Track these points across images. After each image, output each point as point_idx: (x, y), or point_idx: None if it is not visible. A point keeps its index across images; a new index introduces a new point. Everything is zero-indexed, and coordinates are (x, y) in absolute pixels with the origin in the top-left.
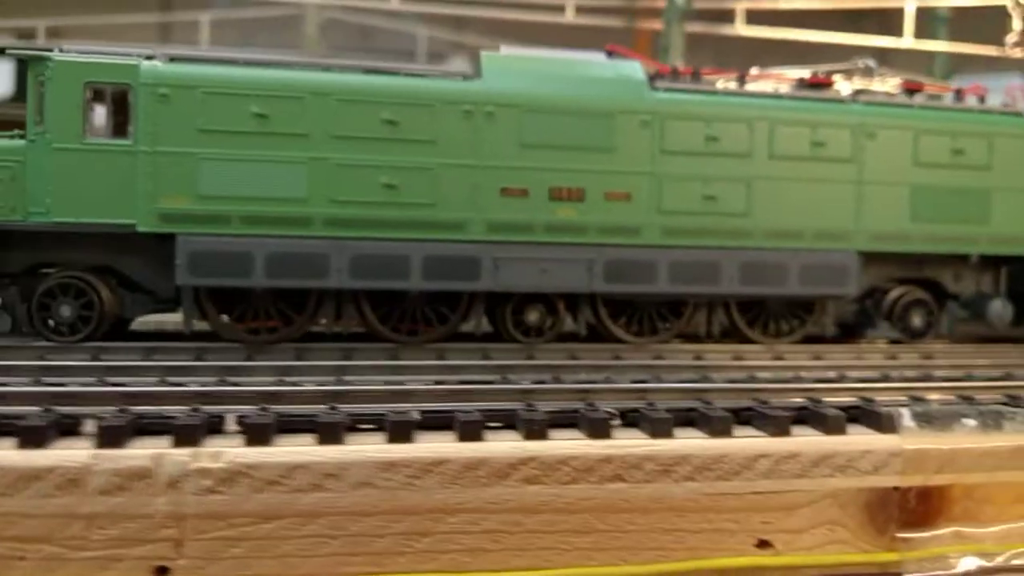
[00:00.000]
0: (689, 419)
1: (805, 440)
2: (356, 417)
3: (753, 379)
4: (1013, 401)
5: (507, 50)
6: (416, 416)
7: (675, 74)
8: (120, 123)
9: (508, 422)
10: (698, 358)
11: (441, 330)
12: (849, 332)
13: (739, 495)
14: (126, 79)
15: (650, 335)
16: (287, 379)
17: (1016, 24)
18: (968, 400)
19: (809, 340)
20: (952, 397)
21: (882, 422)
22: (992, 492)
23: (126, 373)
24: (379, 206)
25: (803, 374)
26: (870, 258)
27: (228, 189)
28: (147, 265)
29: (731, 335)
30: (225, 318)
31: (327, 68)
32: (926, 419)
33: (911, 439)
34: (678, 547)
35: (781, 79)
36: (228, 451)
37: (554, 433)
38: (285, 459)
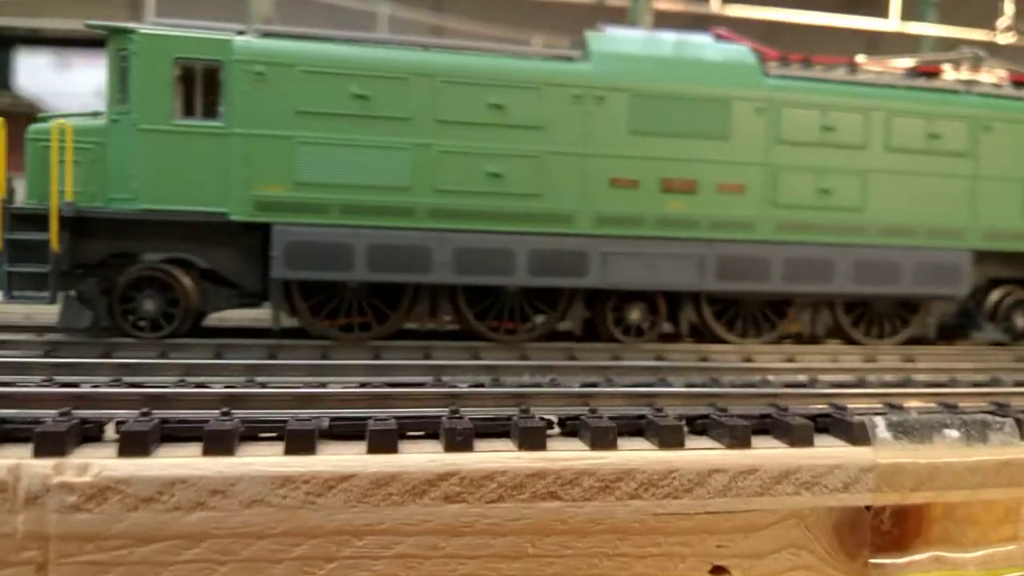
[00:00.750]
0: (637, 428)
1: (766, 453)
2: (253, 425)
3: (716, 382)
4: (1000, 409)
5: (611, 31)
6: (323, 424)
7: (784, 60)
8: (211, 103)
9: (431, 431)
10: (659, 358)
11: (540, 328)
12: (947, 334)
13: (691, 515)
14: (218, 55)
15: (753, 336)
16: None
17: (1008, 8)
18: (950, 408)
19: (781, 340)
20: (933, 404)
21: (854, 433)
22: (975, 512)
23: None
24: (484, 196)
25: (771, 377)
26: (978, 257)
27: (327, 176)
28: (233, 257)
29: (834, 335)
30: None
31: (428, 48)
32: (903, 429)
33: (886, 452)
34: (622, 574)
35: (888, 67)
36: (96, 463)
37: (482, 444)
38: (163, 472)
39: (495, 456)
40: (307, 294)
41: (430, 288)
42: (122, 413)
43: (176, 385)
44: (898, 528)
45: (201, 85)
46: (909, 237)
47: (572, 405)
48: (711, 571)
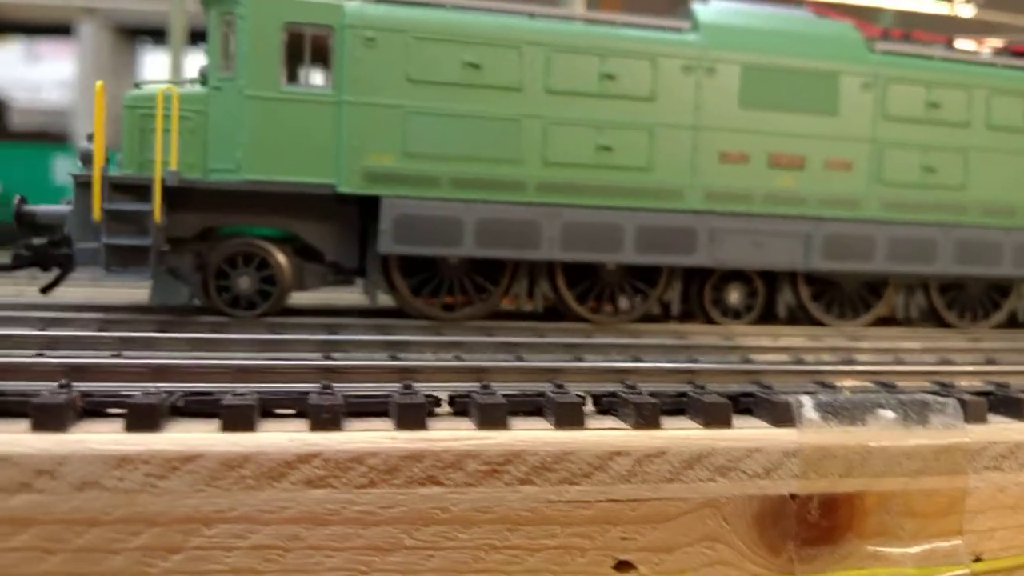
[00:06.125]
0: (536, 407)
1: (675, 434)
2: (95, 400)
3: (638, 359)
4: (944, 390)
5: (715, 3)
6: (176, 400)
7: (886, 35)
8: (320, 69)
9: (299, 408)
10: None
11: (638, 309)
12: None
13: (591, 503)
14: (329, 20)
15: (852, 318)
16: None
17: None
18: (889, 388)
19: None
20: (869, 384)
21: (778, 414)
22: (915, 502)
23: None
24: (593, 169)
25: (700, 357)
26: None
27: (438, 147)
28: (332, 232)
29: (927, 319)
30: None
31: (538, 16)
32: (832, 410)
33: (812, 434)
34: (512, 569)
35: (982, 46)
36: None
37: (356, 424)
38: None
39: (365, 436)
40: (405, 271)
41: (528, 266)
42: None
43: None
44: (827, 519)
45: (310, 51)
46: (1009, 217)
47: (466, 381)
48: (615, 567)
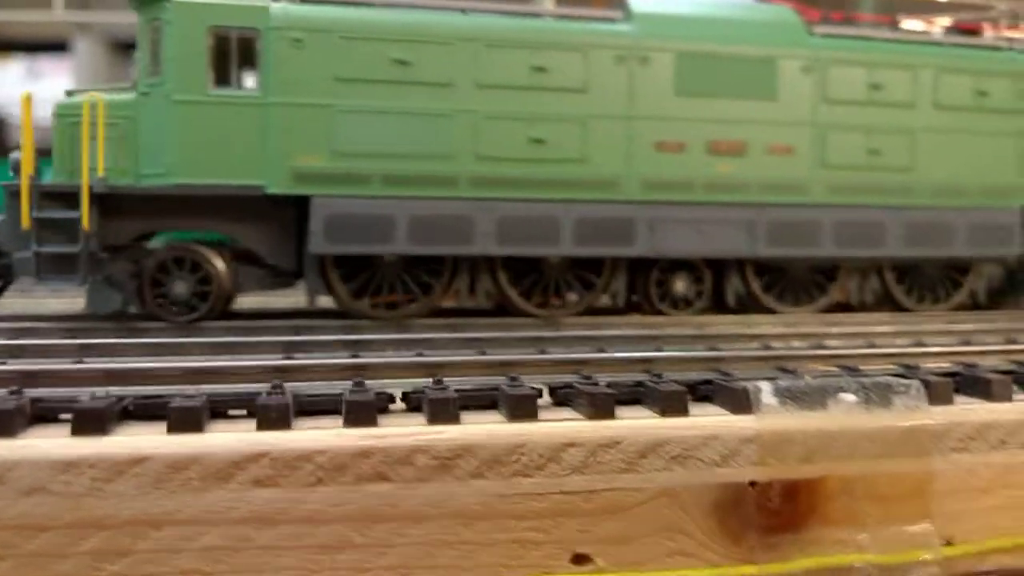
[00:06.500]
0: (491, 401)
1: (629, 423)
2: (45, 405)
3: (602, 350)
4: (908, 372)
5: None
6: (126, 404)
7: (826, 19)
8: (247, 72)
9: (250, 409)
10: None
11: (583, 302)
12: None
13: (545, 495)
14: (254, 22)
15: (806, 304)
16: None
17: None
18: (851, 371)
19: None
20: (832, 368)
21: (736, 400)
22: (879, 486)
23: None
24: (527, 163)
25: (664, 347)
26: None
27: (367, 145)
28: (267, 234)
29: (883, 303)
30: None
31: (468, 11)
32: (791, 395)
33: (770, 419)
34: (466, 565)
35: (930, 26)
36: None
37: (305, 422)
38: None
39: (313, 435)
40: (343, 271)
41: (469, 262)
42: None
43: None
44: (789, 506)
45: (237, 54)
46: (960, 198)
47: (423, 378)
48: (572, 560)
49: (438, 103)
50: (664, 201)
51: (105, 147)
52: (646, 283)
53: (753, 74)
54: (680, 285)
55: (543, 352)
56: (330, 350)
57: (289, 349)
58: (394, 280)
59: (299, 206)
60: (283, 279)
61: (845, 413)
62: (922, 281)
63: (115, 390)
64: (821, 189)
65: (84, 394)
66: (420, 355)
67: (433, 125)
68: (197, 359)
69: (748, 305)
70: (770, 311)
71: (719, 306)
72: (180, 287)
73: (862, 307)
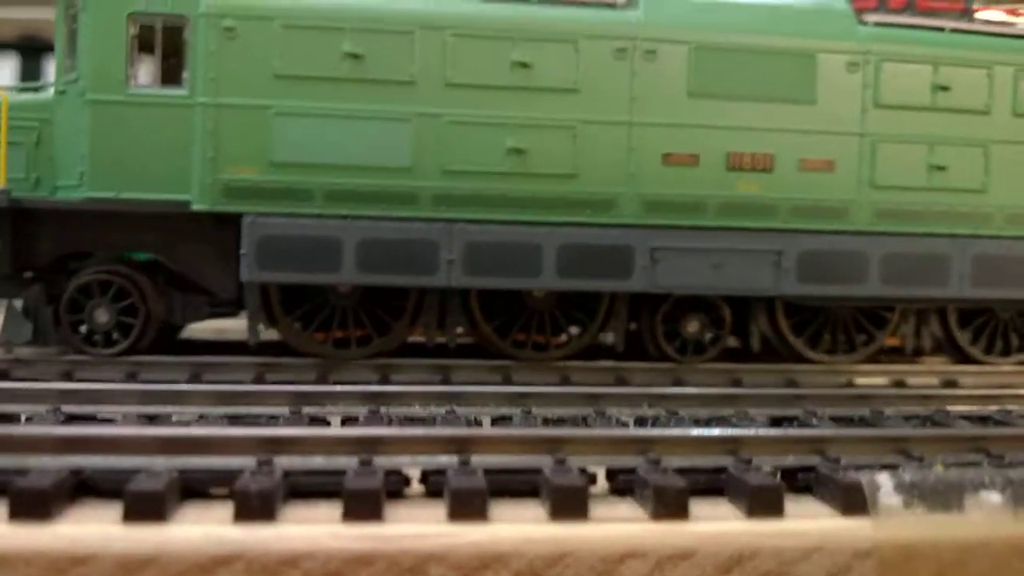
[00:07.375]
0: (531, 487)
1: (707, 530)
2: None
3: (674, 414)
4: None
5: None
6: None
7: (883, 6)
8: (173, 68)
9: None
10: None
11: (574, 344)
12: None
13: None
14: (181, 8)
15: (846, 352)
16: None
17: None
18: (987, 455)
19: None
20: (966, 454)
21: (846, 497)
22: None
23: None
24: (504, 178)
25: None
26: None
27: (311, 155)
28: (200, 256)
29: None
30: (297, 326)
31: None
32: (918, 492)
33: (892, 526)
34: None
35: (1013, 14)
36: None
37: (294, 512)
38: None
39: (302, 531)
40: (289, 302)
41: (439, 294)
42: None
43: None
44: None
45: (161, 46)
46: None
47: (443, 453)
48: None
49: (396, 105)
50: (671, 225)
51: (12, 154)
52: (651, 322)
53: (785, 72)
54: (692, 327)
55: (600, 413)
56: (348, 402)
57: (298, 401)
58: (350, 312)
59: (238, 225)
60: (224, 308)
61: (988, 518)
62: (994, 328)
63: (69, 460)
64: (868, 214)
65: (30, 466)
66: (452, 411)
67: (389, 131)
68: (173, 427)
69: (779, 351)
70: (802, 360)
71: (742, 351)
72: (101, 315)
73: (917, 355)
